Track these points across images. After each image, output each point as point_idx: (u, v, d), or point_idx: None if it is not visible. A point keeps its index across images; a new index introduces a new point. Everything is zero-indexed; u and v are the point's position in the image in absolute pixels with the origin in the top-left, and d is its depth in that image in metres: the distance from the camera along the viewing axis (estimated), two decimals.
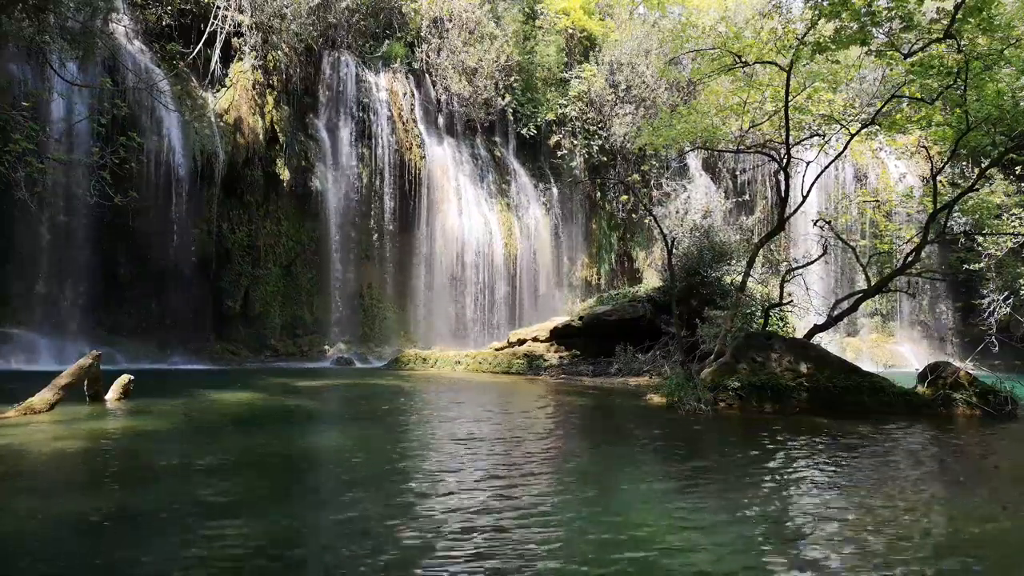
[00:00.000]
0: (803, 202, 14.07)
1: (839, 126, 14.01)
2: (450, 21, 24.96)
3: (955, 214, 15.54)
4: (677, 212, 26.25)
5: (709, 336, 14.05)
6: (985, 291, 22.67)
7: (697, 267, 18.31)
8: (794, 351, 10.91)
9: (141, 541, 3.79)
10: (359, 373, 17.38)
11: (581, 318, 18.94)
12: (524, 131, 26.42)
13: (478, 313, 24.14)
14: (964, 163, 23.76)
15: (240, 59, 20.68)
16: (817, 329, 12.58)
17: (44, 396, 8.13)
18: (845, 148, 14.04)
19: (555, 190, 27.57)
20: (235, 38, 20.49)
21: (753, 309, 16.80)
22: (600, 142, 27.21)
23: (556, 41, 27.74)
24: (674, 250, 13.82)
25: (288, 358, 20.25)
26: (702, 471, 6.04)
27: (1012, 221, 18.23)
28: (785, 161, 13.16)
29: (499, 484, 5.24)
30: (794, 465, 6.30)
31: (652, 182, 28.46)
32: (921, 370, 11.24)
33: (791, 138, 12.86)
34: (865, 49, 11.80)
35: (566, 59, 28.02)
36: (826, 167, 15.11)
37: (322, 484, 5.59)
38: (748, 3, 23.75)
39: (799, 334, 14.32)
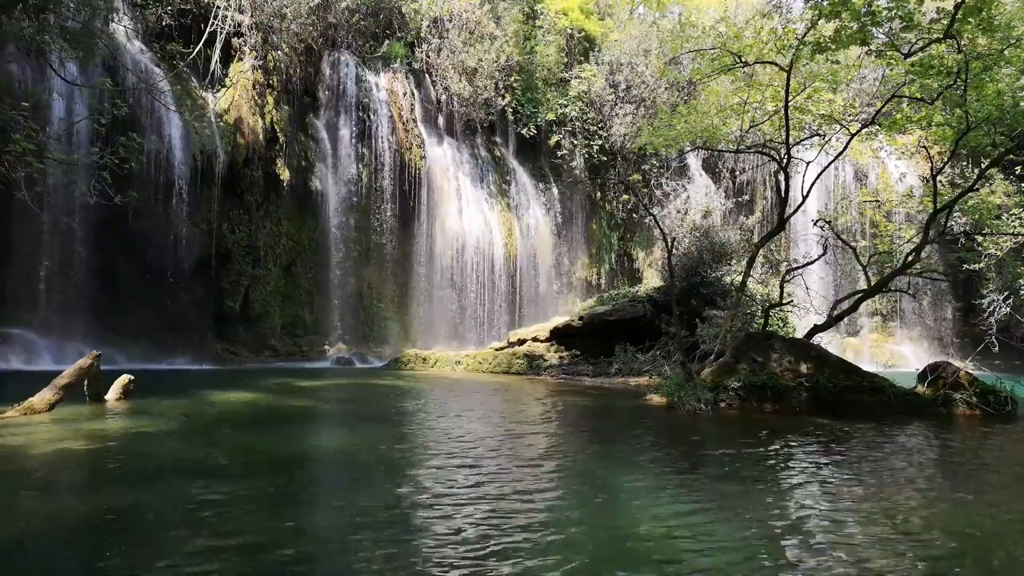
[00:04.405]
0: (803, 202, 14.07)
1: (839, 126, 14.01)
2: (450, 21, 24.94)
3: (955, 214, 15.53)
4: (677, 212, 26.27)
5: (709, 336, 14.06)
6: (985, 291, 22.67)
7: (697, 267, 18.32)
8: (794, 351, 10.92)
9: (141, 541, 3.79)
10: (359, 373, 17.38)
11: (581, 318, 18.94)
12: (524, 131, 26.39)
13: (478, 313, 24.13)
14: (964, 163, 23.75)
15: (240, 59, 20.67)
16: (817, 329, 12.58)
17: (44, 396, 8.13)
18: (845, 148, 14.04)
19: (555, 190, 27.56)
20: (235, 38, 20.47)
21: (753, 309, 16.81)
22: (600, 142, 27.20)
23: (556, 41, 27.73)
24: (674, 250, 13.82)
25: (288, 358, 20.24)
26: (702, 471, 6.04)
27: (1012, 221, 18.22)
28: (785, 161, 13.16)
29: (499, 484, 5.23)
30: (794, 465, 6.30)
31: (652, 182, 28.45)
32: (921, 370, 11.25)
33: (791, 138, 12.86)
34: (865, 49, 11.80)
35: (566, 59, 28.00)
36: (826, 167, 15.11)
37: (322, 484, 5.59)
38: (748, 3, 23.74)
39: (799, 334, 14.32)
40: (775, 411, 9.90)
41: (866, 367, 12.48)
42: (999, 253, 19.65)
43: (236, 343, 19.89)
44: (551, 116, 26.70)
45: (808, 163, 14.06)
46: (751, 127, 14.48)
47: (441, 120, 25.32)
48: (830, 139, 14.57)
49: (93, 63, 16.75)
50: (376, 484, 5.24)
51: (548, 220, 26.94)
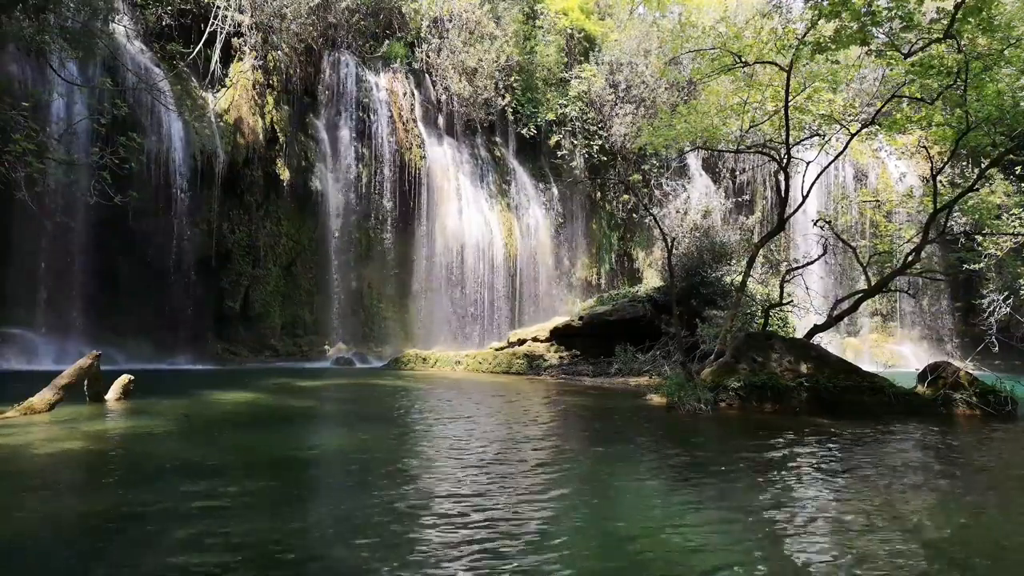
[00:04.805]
0: (803, 202, 14.06)
1: (839, 126, 14.01)
2: (450, 21, 24.95)
3: (955, 214, 15.53)
4: (677, 212, 26.28)
5: (709, 336, 14.06)
6: (985, 291, 22.67)
7: (697, 267, 18.33)
8: (794, 351, 10.91)
9: (141, 541, 3.79)
10: (359, 373, 17.38)
11: (581, 318, 18.93)
12: (524, 131, 26.40)
13: (478, 313, 24.13)
14: (964, 163, 23.76)
15: (240, 59, 20.67)
16: (817, 329, 12.58)
17: (44, 396, 8.13)
18: (845, 148, 14.04)
19: (555, 190, 27.56)
20: (235, 38, 20.47)
21: (753, 309, 16.81)
22: (600, 142, 27.20)
23: (556, 41, 27.73)
24: (674, 250, 13.81)
25: (288, 358, 20.24)
26: (703, 471, 6.04)
27: (1012, 221, 18.22)
28: (785, 161, 13.16)
29: (500, 485, 5.23)
30: (794, 466, 6.30)
31: (652, 182, 28.46)
32: (921, 370, 11.24)
33: (791, 138, 12.85)
34: (865, 49, 11.80)
35: (566, 59, 28.01)
36: (826, 167, 15.11)
37: (323, 485, 5.59)
38: (748, 3, 23.74)
39: (799, 334, 14.32)
40: (775, 411, 9.90)
41: (866, 367, 12.47)
42: (999, 253, 19.64)
43: (236, 343, 19.89)
44: (551, 116, 26.70)
45: (808, 163, 14.06)
46: (751, 127, 14.47)
47: (441, 120, 25.32)
48: (830, 139, 14.57)
49: (93, 63, 16.76)
50: (377, 485, 5.24)
51: (548, 220, 26.95)
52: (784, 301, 14.34)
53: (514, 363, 17.67)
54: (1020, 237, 18.31)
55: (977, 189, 14.38)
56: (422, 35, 24.83)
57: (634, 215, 28.46)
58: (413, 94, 24.32)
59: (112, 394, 9.33)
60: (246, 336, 20.19)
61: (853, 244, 15.84)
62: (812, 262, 14.83)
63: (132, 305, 17.65)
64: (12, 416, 7.67)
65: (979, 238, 19.36)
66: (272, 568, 3.45)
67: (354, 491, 5.06)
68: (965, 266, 20.71)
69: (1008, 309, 21.48)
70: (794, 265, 16.53)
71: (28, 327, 16.17)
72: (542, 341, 18.93)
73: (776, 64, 12.64)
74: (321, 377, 15.35)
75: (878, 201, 27.07)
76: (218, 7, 19.77)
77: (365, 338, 22.34)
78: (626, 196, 28.29)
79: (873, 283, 13.54)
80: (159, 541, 3.78)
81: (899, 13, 10.38)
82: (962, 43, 10.48)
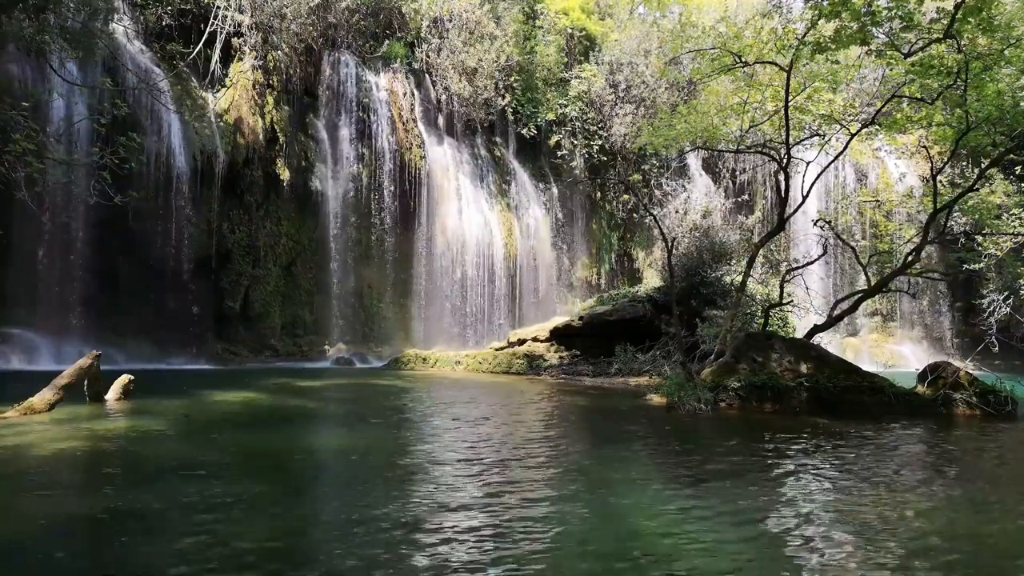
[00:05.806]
0: (803, 202, 14.06)
1: (839, 126, 14.01)
2: (450, 21, 24.94)
3: (955, 214, 15.53)
4: (677, 212, 26.24)
5: (709, 336, 14.06)
6: (985, 291, 22.67)
7: (697, 267, 18.32)
8: (794, 351, 10.91)
9: (142, 541, 3.79)
10: (359, 373, 17.37)
11: (581, 318, 18.93)
12: (524, 131, 26.39)
13: (478, 313, 24.12)
14: (964, 163, 23.75)
15: (240, 59, 20.67)
16: (817, 329, 12.58)
17: (44, 396, 8.12)
18: (845, 148, 14.04)
19: (555, 190, 27.56)
20: (235, 38, 20.47)
21: (753, 309, 16.81)
22: (600, 142, 27.20)
23: (556, 41, 27.73)
24: (674, 250, 13.81)
25: (288, 358, 20.23)
26: (703, 472, 6.04)
27: (1012, 221, 18.22)
28: (785, 161, 13.16)
29: (499, 485, 5.23)
30: (794, 466, 6.30)
31: (652, 182, 28.45)
32: (921, 370, 11.24)
33: (791, 138, 12.85)
34: (865, 49, 11.80)
35: (566, 59, 28.01)
36: (826, 167, 15.11)
37: (323, 486, 5.59)
38: (748, 3, 23.73)
39: (799, 334, 14.32)
40: (775, 411, 9.90)
41: (866, 367, 12.47)
42: (999, 253, 19.64)
43: (236, 343, 19.89)
44: (551, 116, 26.70)
45: (808, 163, 14.06)
46: (751, 127, 14.47)
47: (441, 120, 25.31)
48: (830, 139, 14.57)
49: (93, 63, 16.74)
50: (378, 485, 5.24)
51: (548, 220, 26.94)
52: (784, 301, 14.34)
53: (514, 363, 17.67)
54: (1020, 237, 18.31)
55: (977, 189, 14.38)
56: (422, 35, 24.82)
57: (634, 215, 28.45)
58: (413, 94, 24.31)
59: (112, 394, 9.33)
60: (246, 336, 20.19)
61: (853, 244, 15.85)
62: (812, 262, 14.83)
63: (132, 305, 17.64)
64: (12, 416, 7.66)
65: (979, 238, 19.36)
66: (274, 568, 3.44)
67: (355, 492, 5.06)
68: (965, 266, 20.70)
69: (1008, 309, 21.47)
70: (794, 265, 16.53)
71: (28, 327, 16.17)
72: (542, 341, 18.93)
73: (776, 64, 12.64)
74: (321, 377, 15.35)
75: (878, 201, 27.08)
76: (218, 7, 19.77)
77: (365, 338, 22.33)
78: (626, 196, 28.29)
79: (873, 283, 13.54)
80: (159, 541, 3.78)
81: (899, 13, 10.38)
82: (962, 43, 10.48)
